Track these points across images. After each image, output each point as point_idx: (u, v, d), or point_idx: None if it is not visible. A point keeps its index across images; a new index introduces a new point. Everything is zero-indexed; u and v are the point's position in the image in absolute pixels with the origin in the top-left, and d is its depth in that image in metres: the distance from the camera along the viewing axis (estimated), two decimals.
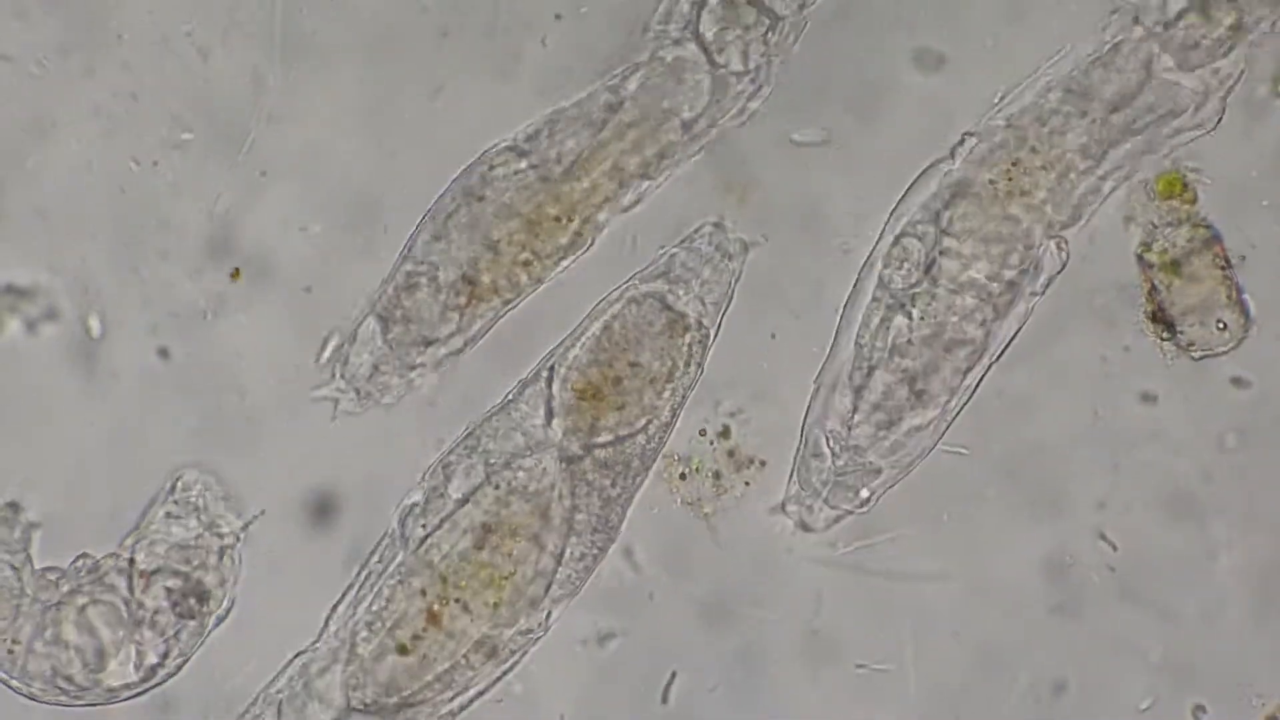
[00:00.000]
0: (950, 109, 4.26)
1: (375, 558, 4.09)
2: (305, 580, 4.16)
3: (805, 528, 4.20)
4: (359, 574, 4.10)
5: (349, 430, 4.21)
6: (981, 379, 4.15)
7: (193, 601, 4.06)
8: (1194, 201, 4.15)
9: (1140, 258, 4.18)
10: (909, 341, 4.12)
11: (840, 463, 4.16)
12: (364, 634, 4.04)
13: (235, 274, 4.19)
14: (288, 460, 4.20)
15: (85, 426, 4.19)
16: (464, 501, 4.04)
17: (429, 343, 4.14)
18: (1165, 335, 4.17)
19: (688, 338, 4.15)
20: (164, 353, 4.22)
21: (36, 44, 4.24)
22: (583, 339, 4.13)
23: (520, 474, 4.05)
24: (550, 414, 4.08)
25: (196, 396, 4.21)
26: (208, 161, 4.23)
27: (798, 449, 4.17)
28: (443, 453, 4.11)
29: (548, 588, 4.06)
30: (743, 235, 4.24)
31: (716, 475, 4.21)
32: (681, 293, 4.19)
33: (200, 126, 4.24)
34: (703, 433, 4.22)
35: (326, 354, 4.19)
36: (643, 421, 4.10)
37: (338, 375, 4.13)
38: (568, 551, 4.06)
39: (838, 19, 4.27)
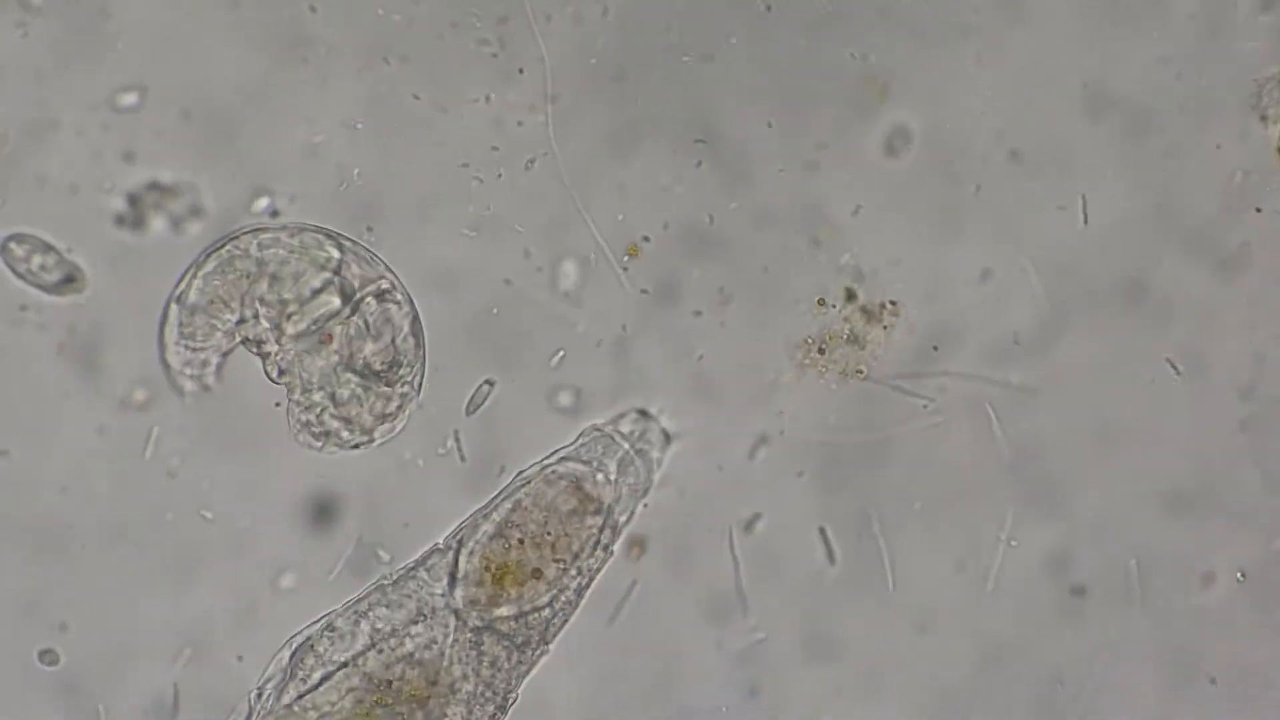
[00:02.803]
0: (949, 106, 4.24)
1: (265, 691, 4.23)
2: (304, 582, 4.33)
3: None
4: (251, 704, 4.26)
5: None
6: None
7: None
8: None
9: None
10: None
11: None
12: None
13: (632, 250, 4.21)
14: (287, 462, 4.31)
15: (83, 427, 4.28)
16: (347, 664, 4.17)
17: None
18: None
19: (598, 521, 4.20)
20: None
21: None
22: (493, 514, 4.18)
23: (409, 642, 4.18)
24: (453, 584, 4.17)
25: (197, 399, 4.28)
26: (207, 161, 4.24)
27: None
28: (332, 612, 4.21)
29: None
30: (666, 427, 4.25)
31: (853, 337, 4.31)
32: (599, 477, 4.21)
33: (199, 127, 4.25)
34: (821, 302, 4.29)
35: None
36: (546, 599, 4.19)
37: None
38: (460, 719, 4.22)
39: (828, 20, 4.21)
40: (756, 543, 4.37)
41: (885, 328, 4.24)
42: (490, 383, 4.32)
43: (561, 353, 4.33)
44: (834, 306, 4.23)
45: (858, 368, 4.27)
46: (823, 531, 4.34)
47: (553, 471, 4.21)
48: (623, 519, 4.23)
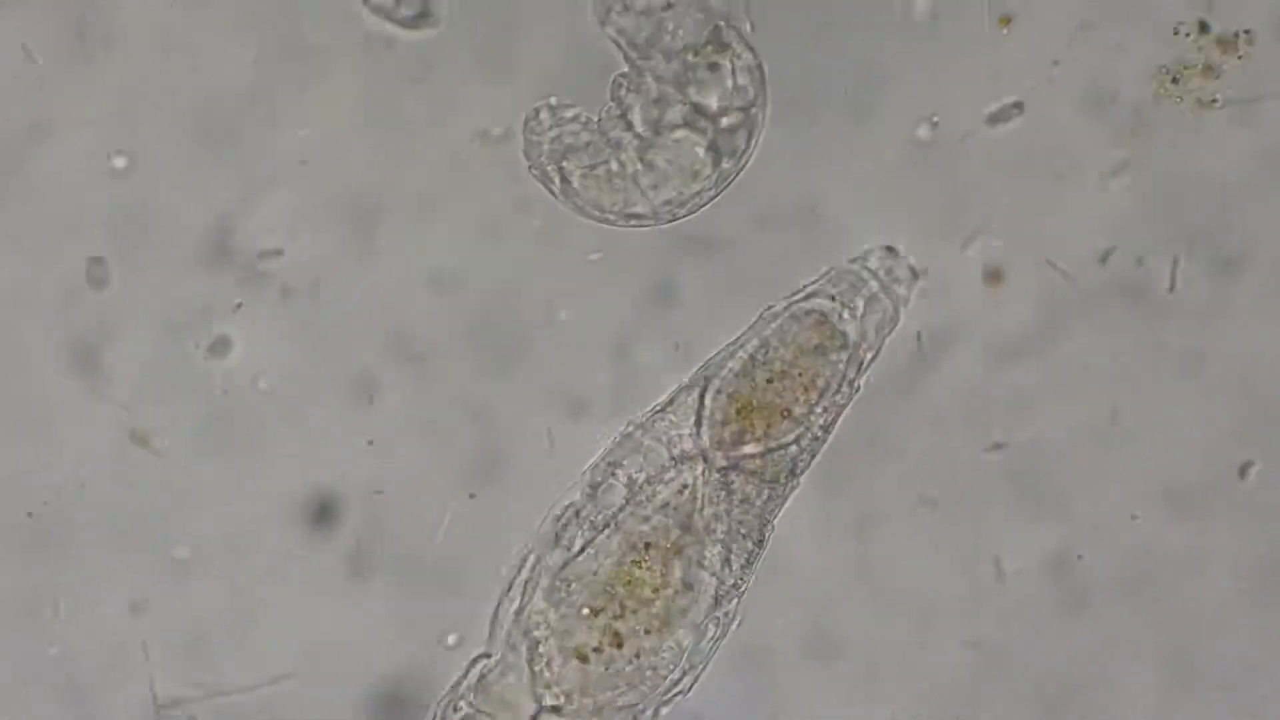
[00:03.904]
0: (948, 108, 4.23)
1: (530, 559, 4.25)
2: (306, 583, 4.36)
3: None
4: (517, 576, 4.27)
5: (348, 433, 4.33)
6: None
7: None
8: None
9: None
10: None
11: None
12: (540, 634, 4.24)
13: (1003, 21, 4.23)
14: (287, 463, 4.34)
15: (84, 428, 4.31)
16: (608, 522, 4.22)
17: None
18: None
19: (844, 356, 4.20)
20: (162, 354, 4.30)
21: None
22: (739, 352, 4.19)
23: (662, 489, 4.22)
24: (699, 426, 4.20)
25: (196, 397, 4.31)
26: (206, 162, 4.26)
27: None
28: (589, 465, 4.24)
29: (712, 598, 4.24)
30: (913, 262, 4.23)
31: (1207, 68, 4.30)
32: (845, 314, 4.21)
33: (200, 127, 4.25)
34: (1176, 31, 4.29)
35: None
36: (793, 436, 4.19)
37: None
38: (718, 560, 4.23)
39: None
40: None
41: (1240, 58, 4.20)
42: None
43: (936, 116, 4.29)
44: (1188, 36, 4.20)
45: (1213, 98, 4.24)
46: (1175, 261, 4.33)
47: (799, 308, 4.19)
48: (869, 356, 4.21)
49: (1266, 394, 4.28)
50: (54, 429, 4.26)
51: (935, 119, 4.23)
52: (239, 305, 4.24)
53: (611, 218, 4.18)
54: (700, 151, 4.14)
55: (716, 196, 4.18)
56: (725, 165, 4.14)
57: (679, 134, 4.14)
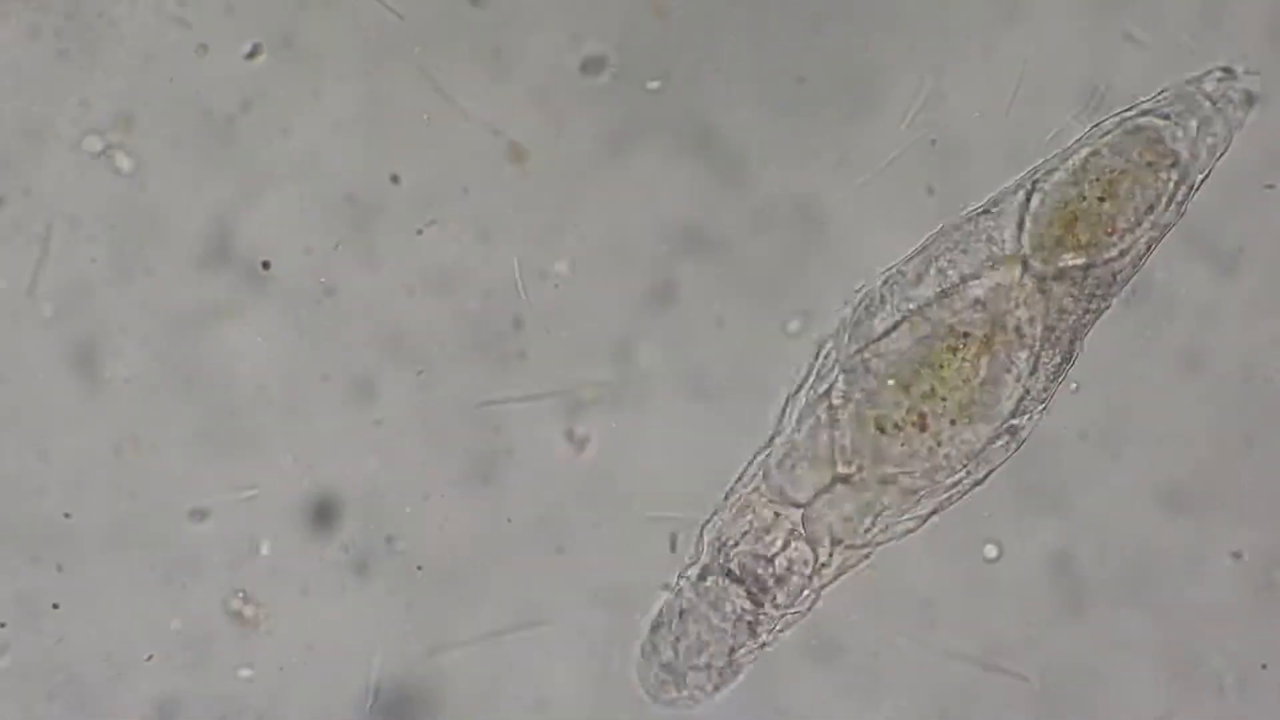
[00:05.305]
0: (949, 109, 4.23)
1: (829, 345, 4.31)
2: (306, 584, 4.36)
3: None
4: (816, 359, 4.34)
5: (349, 434, 4.38)
6: None
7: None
8: None
9: None
10: None
11: None
12: (838, 401, 4.30)
13: None
14: (288, 464, 4.38)
15: (85, 431, 4.35)
16: (917, 310, 4.26)
17: None
18: None
19: (1173, 175, 4.20)
20: (164, 355, 4.36)
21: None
22: (1069, 161, 4.21)
23: (976, 286, 4.25)
24: (1021, 229, 4.21)
25: (197, 399, 4.38)
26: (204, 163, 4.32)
27: None
28: (904, 256, 4.29)
29: (1014, 403, 4.24)
30: (1250, 86, 4.24)
31: None
32: (1179, 132, 4.22)
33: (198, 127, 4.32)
34: None
35: None
36: (1115, 251, 4.21)
37: None
38: (1026, 366, 4.25)
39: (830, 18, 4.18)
40: None
41: None
42: None
43: None
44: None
45: None
46: None
47: (1132, 123, 4.21)
48: (1199, 178, 4.23)
49: (1266, 393, 4.29)
50: (54, 429, 4.35)
51: None
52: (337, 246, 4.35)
53: None
54: None
55: None
56: None
57: None
